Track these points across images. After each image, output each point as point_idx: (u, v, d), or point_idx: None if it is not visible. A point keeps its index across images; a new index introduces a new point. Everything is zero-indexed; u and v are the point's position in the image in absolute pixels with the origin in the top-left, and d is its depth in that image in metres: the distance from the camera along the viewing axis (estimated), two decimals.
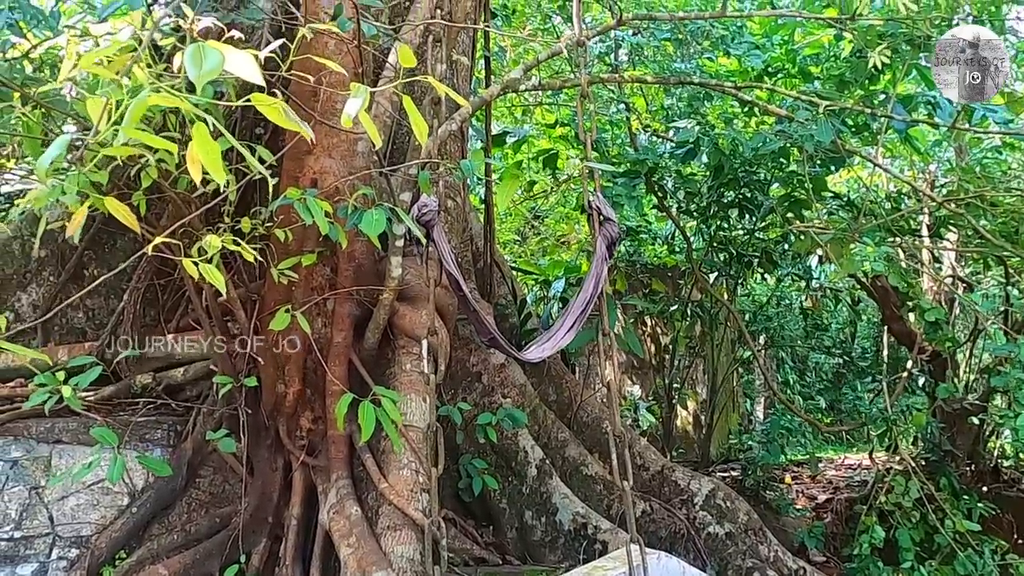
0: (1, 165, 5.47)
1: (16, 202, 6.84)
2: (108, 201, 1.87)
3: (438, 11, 3.85)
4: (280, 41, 2.15)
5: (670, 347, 7.36)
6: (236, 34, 2.09)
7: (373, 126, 2.27)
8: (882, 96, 5.58)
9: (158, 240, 2.36)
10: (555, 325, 3.54)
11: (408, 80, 2.67)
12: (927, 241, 6.09)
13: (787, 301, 7.69)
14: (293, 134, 4.38)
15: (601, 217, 3.58)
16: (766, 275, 6.97)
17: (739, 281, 6.77)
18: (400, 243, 4.00)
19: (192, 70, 1.49)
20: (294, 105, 4.02)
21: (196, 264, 2.18)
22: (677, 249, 7.09)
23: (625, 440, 3.34)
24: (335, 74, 4.05)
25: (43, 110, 3.56)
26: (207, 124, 1.80)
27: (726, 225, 6.65)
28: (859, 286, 6.71)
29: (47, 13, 3.26)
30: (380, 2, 3.54)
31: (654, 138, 6.89)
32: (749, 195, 6.22)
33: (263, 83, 1.83)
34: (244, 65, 1.72)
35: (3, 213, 6.84)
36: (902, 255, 5.76)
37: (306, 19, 3.21)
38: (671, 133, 6.67)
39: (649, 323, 7.99)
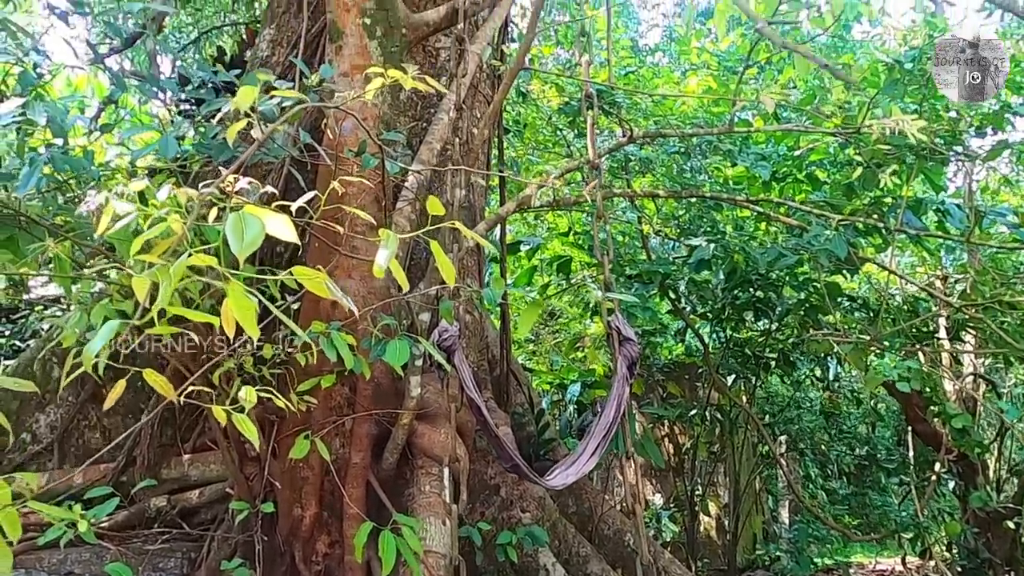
0: (23, 273, 5.59)
1: (35, 308, 6.94)
2: (147, 373, 1.89)
3: (456, 139, 3.98)
4: (312, 194, 2.22)
5: (690, 451, 7.23)
6: (270, 189, 2.16)
7: (402, 271, 2.31)
8: (889, 196, 5.67)
9: (186, 386, 2.37)
10: (578, 448, 3.49)
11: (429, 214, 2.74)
12: (946, 343, 6.05)
13: (808, 403, 7.57)
14: (314, 256, 4.48)
15: (621, 337, 3.59)
16: (785, 377, 6.90)
17: (757, 384, 6.70)
18: (419, 362, 4.00)
19: (235, 243, 1.54)
20: (317, 237, 4.13)
21: (228, 414, 2.18)
22: (693, 351, 7.06)
23: (652, 570, 3.23)
24: (358, 197, 4.18)
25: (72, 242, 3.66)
26: (240, 283, 1.85)
27: (742, 327, 6.64)
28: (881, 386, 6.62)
29: (82, 154, 3.39)
30: (401, 135, 3.67)
31: (666, 240, 6.98)
32: (763, 296, 6.24)
33: (299, 242, 1.89)
34: (282, 228, 1.78)
35: (23, 318, 6.92)
36: (922, 358, 5.71)
37: (335, 156, 3.33)
38: (683, 232, 6.76)
39: (667, 424, 7.87)
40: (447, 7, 4.16)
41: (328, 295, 1.77)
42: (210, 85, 5.78)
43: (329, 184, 4.02)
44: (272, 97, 2.89)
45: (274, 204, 2.31)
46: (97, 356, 3.29)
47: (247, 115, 2.54)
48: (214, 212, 2.22)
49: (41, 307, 6.83)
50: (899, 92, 4.06)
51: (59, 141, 3.70)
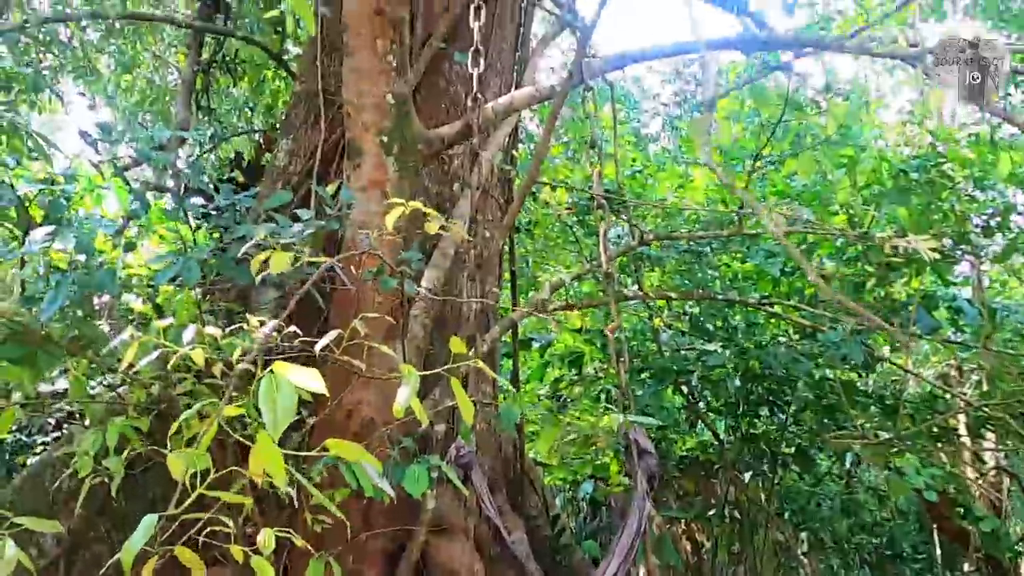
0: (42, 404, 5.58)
1: (46, 402, 6.91)
2: (179, 550, 1.89)
3: (471, 249, 4.04)
4: (335, 333, 2.24)
5: (709, 551, 7.01)
6: (295, 330, 2.18)
7: (420, 406, 2.31)
8: (900, 289, 5.69)
9: (202, 523, 2.33)
10: (600, 568, 3.39)
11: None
12: (967, 439, 5.96)
13: (828, 497, 7.38)
14: (332, 369, 4.49)
15: (639, 450, 3.54)
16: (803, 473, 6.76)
17: (776, 482, 6.57)
18: (434, 474, 3.94)
19: (269, 416, 1.54)
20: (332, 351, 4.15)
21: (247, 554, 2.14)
22: (708, 446, 6.96)
23: None
24: (374, 307, 4.21)
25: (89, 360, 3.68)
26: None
27: (757, 421, 6.55)
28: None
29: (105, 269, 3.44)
30: (418, 254, 3.73)
31: (678, 332, 6.97)
32: (777, 389, 6.18)
33: (327, 392, 1.89)
34: (312, 381, 1.80)
35: (36, 412, 6.89)
36: (944, 457, 5.61)
37: (351, 267, 3.38)
38: (695, 326, 6.75)
39: (684, 522, 7.67)
40: (461, 123, 4.29)
41: (364, 457, 1.76)
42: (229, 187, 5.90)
43: (345, 296, 4.07)
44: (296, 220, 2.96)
45: (298, 340, 2.33)
46: (113, 471, 3.25)
47: (272, 248, 2.60)
48: (238, 352, 2.24)
49: (50, 400, 6.81)
50: (906, 199, 4.14)
51: (82, 256, 3.77)
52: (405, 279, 3.03)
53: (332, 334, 2.19)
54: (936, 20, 10.39)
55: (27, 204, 4.18)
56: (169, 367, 2.28)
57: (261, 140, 6.41)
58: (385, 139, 4.00)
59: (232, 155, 6.49)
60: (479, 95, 4.22)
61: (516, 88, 6.38)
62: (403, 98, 4.01)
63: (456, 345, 2.31)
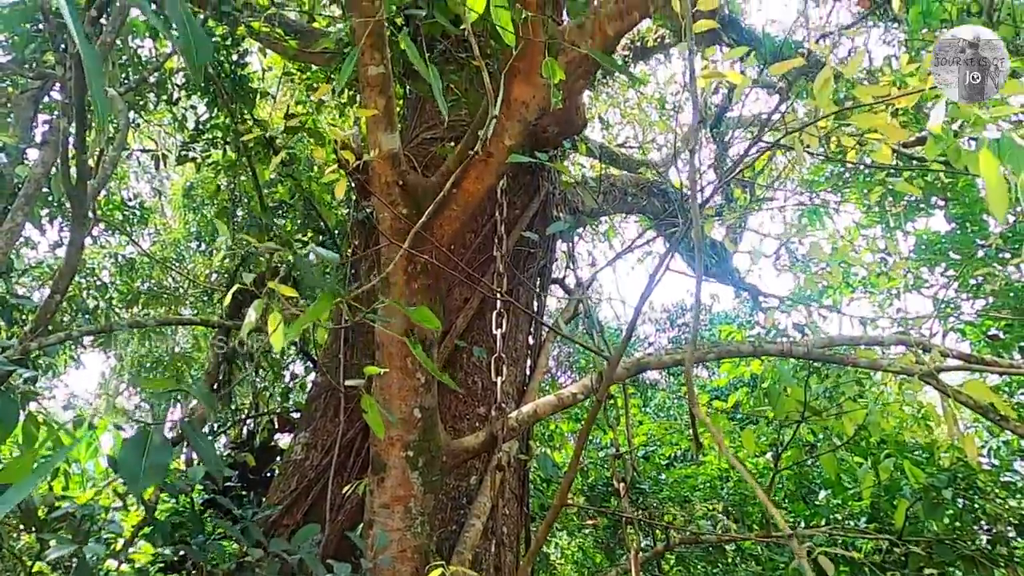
0: None
1: None
2: None
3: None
4: None
5: None
6: None
7: None
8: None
9: None
10: None
11: None
12: None
13: None
14: None
15: None
16: None
17: None
18: None
19: None
20: None
21: None
22: None
23: None
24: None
25: None
26: None
27: None
28: None
29: None
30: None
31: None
32: None
33: None
34: None
35: None
36: None
37: None
38: None
39: None
40: (485, 433, 4.31)
41: None
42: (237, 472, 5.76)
43: None
44: None
45: None
46: None
47: None
48: None
49: None
50: (938, 513, 4.08)
51: None
52: None
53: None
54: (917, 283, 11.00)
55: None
56: None
57: (275, 420, 6.41)
58: (411, 453, 3.99)
59: (243, 435, 6.46)
60: (503, 405, 4.28)
61: (531, 372, 6.53)
62: (430, 412, 4.06)
63: None
